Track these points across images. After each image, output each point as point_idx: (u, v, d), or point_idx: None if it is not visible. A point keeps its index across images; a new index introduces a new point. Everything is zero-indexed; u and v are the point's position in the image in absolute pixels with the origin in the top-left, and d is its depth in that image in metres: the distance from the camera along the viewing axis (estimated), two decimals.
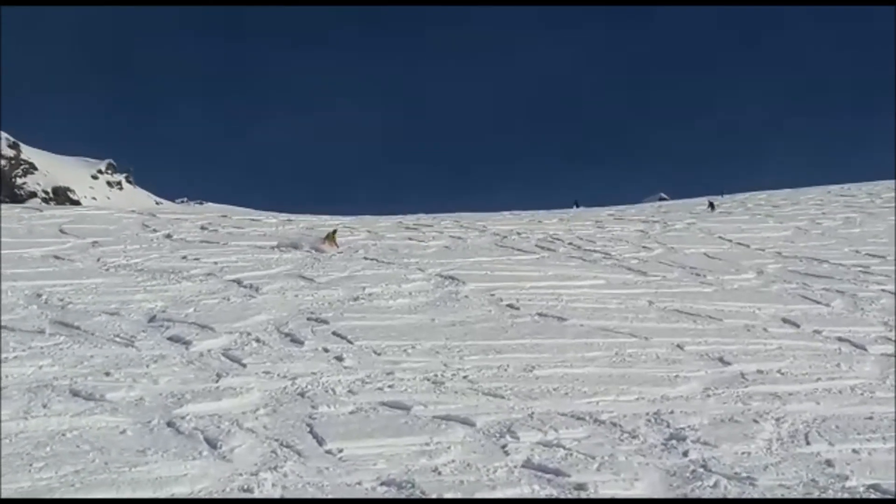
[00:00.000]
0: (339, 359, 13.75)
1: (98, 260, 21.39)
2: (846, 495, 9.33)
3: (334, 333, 15.23)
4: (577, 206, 46.18)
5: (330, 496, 8.79)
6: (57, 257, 21.51)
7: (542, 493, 9.10)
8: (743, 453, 10.57)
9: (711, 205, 44.71)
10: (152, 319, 15.85)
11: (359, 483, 9.16)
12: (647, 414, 11.96)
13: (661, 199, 78.39)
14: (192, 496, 8.58)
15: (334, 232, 25.14)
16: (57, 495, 8.42)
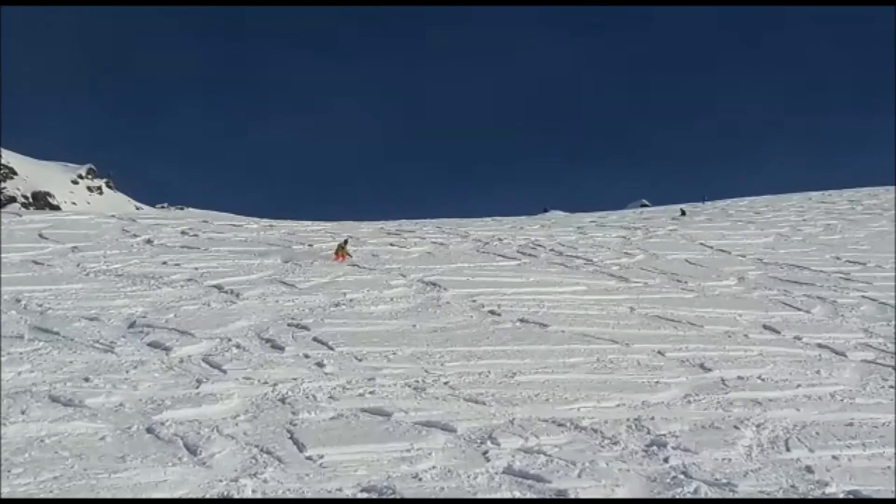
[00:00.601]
0: (320, 365, 13.71)
1: (78, 265, 21.28)
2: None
3: (315, 339, 15.19)
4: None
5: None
6: (36, 262, 21.40)
7: (523, 500, 9.09)
8: (723, 459, 10.59)
9: (683, 212, 44.77)
10: (132, 325, 15.77)
11: (339, 489, 9.13)
12: (628, 420, 11.97)
13: (643, 205, 78.45)
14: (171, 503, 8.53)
15: (345, 243, 24.08)
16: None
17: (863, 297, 22.22)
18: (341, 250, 23.53)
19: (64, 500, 8.00)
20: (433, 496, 8.94)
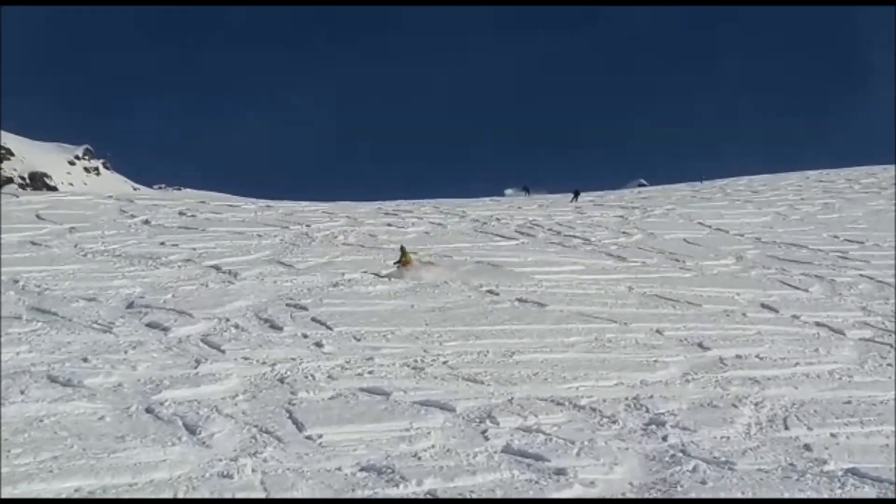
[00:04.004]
0: (319, 345, 13.72)
1: (75, 246, 21.28)
2: (824, 479, 9.37)
3: (314, 319, 15.19)
4: (528, 193, 45.66)
5: (310, 482, 8.76)
6: (34, 243, 21.39)
7: (522, 478, 9.10)
8: (722, 438, 10.61)
9: (577, 193, 44.02)
10: (130, 305, 15.77)
11: (338, 468, 9.14)
12: (627, 399, 11.98)
13: (641, 184, 78.40)
14: (171, 482, 8.54)
15: (403, 252, 20.41)
16: (35, 482, 8.36)
17: (861, 275, 22.24)
18: (405, 259, 20.08)
19: (65, 501, 7.97)
20: (432, 475, 8.95)
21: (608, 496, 8.78)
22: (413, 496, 8.54)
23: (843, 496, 8.99)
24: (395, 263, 20.26)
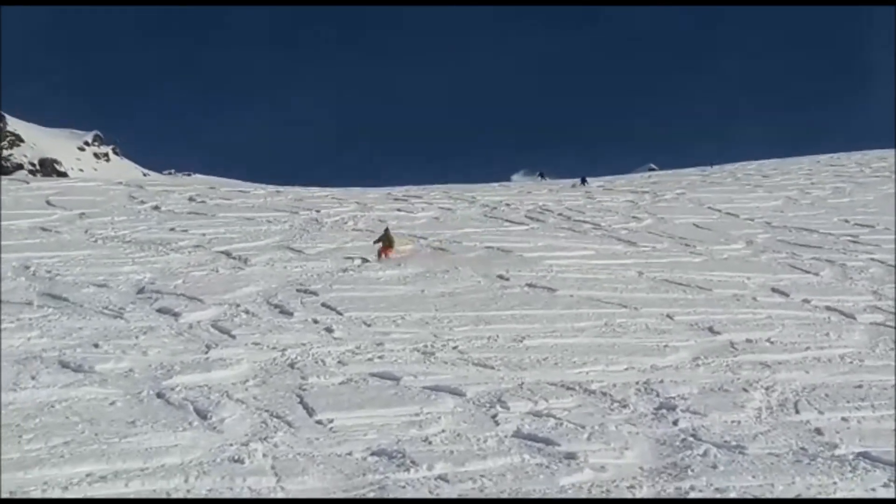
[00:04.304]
0: (329, 330, 13.73)
1: (86, 232, 21.32)
2: (836, 463, 9.35)
3: (323, 305, 15.20)
4: (543, 178, 45.53)
5: (321, 466, 8.78)
6: (44, 229, 21.43)
7: (533, 463, 9.11)
8: (732, 422, 10.59)
9: (583, 180, 43.71)
10: (141, 291, 15.80)
11: (349, 453, 9.15)
12: (637, 383, 11.97)
13: (651, 169, 78.15)
14: (182, 467, 8.56)
15: (385, 233, 20.05)
16: (47, 467, 8.39)
17: (871, 259, 22.15)
18: (385, 243, 19.73)
19: (66, 501, 7.96)
20: (443, 459, 8.95)
21: (619, 480, 8.77)
22: (424, 480, 8.55)
23: (855, 479, 8.98)
24: (375, 242, 20.10)
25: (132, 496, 8.02)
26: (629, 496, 8.45)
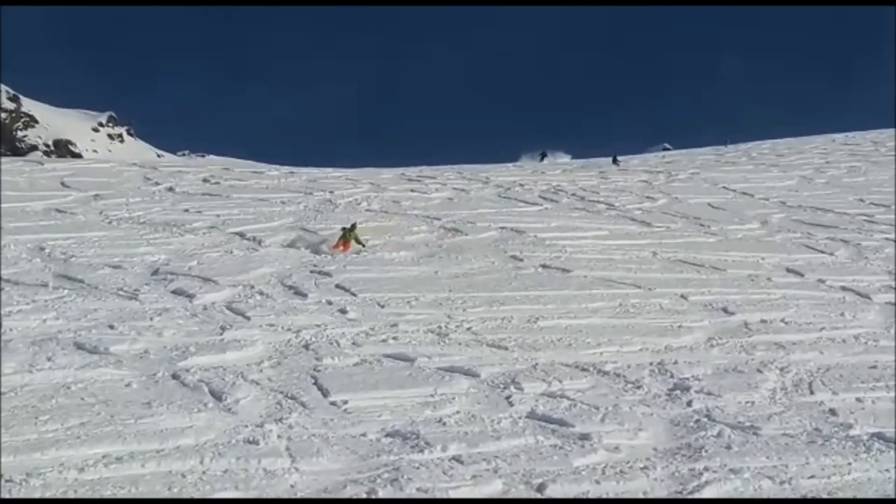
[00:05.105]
0: (343, 311, 13.76)
1: (100, 213, 21.36)
2: (850, 444, 9.36)
3: (337, 286, 15.23)
4: (544, 158, 45.24)
5: (335, 447, 8.82)
6: (59, 210, 21.48)
7: (547, 444, 9.13)
8: (747, 403, 10.60)
9: (615, 159, 43.57)
10: (155, 272, 15.85)
11: (363, 434, 9.19)
12: (651, 364, 11.98)
13: (665, 149, 77.86)
14: (197, 448, 8.60)
15: (352, 228, 19.05)
16: (63, 448, 8.44)
17: (886, 239, 22.07)
18: (345, 238, 18.73)
19: (66, 501, 7.97)
20: (457, 440, 8.98)
21: (632, 461, 8.79)
22: (438, 461, 8.58)
23: (869, 460, 8.98)
24: (341, 228, 19.08)
25: (148, 477, 8.06)
26: (643, 477, 8.47)
